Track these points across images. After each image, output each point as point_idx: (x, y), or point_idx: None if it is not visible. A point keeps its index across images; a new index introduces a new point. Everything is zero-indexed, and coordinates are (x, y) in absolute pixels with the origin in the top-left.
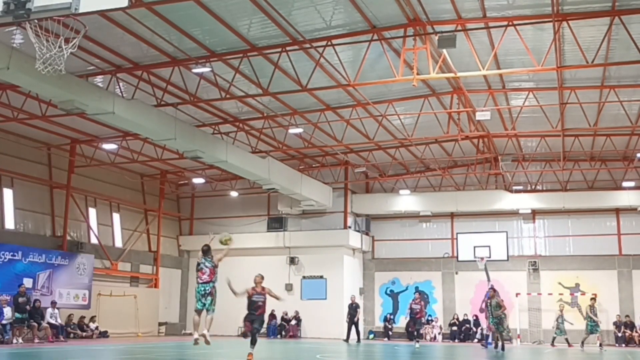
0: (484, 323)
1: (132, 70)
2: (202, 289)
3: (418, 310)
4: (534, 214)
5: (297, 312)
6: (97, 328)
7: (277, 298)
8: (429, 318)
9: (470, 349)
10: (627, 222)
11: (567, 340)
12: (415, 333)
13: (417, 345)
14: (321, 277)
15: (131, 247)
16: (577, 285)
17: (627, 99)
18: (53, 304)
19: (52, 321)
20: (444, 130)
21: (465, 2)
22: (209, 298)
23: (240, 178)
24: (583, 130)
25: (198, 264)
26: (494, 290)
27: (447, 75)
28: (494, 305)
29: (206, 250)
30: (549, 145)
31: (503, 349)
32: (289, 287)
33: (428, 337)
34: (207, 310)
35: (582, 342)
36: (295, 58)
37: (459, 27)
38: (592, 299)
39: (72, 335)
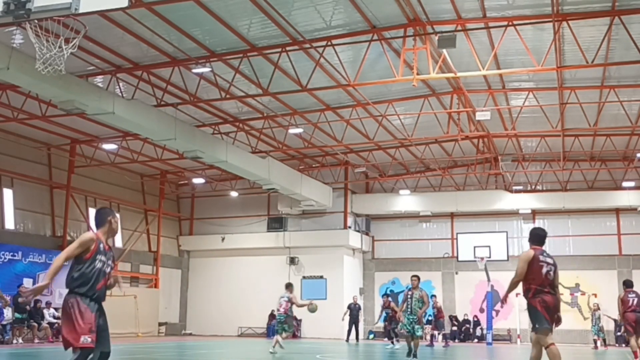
0: (483, 323)
1: (132, 70)
2: (279, 319)
3: (392, 313)
4: (534, 214)
5: (291, 311)
6: None
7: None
8: (430, 318)
9: (471, 349)
10: (627, 222)
11: (604, 340)
12: (392, 332)
13: (389, 347)
14: (321, 277)
15: (131, 247)
16: (577, 285)
17: (627, 99)
18: (48, 304)
19: (53, 320)
20: (444, 130)
21: (465, 2)
22: (285, 325)
23: (240, 178)
24: (583, 130)
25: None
26: (418, 279)
27: (447, 75)
28: (416, 298)
29: (287, 286)
30: (549, 145)
31: (416, 355)
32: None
33: (428, 337)
34: (285, 331)
35: None
36: (295, 58)
37: (459, 27)
38: None
39: None
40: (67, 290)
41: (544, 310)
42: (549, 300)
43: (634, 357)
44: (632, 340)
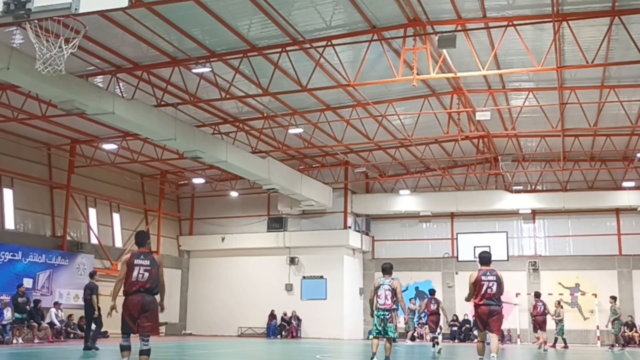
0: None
1: (132, 70)
2: (382, 314)
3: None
4: (534, 214)
5: (293, 312)
6: None
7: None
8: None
9: (471, 349)
10: (627, 222)
11: (564, 340)
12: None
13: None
14: (321, 277)
15: (131, 247)
16: (577, 285)
17: (627, 99)
18: (57, 305)
19: (57, 322)
20: (444, 130)
21: (465, 2)
22: (390, 325)
23: (240, 178)
24: (583, 130)
25: (377, 286)
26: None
27: (447, 75)
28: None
29: (387, 269)
30: (549, 145)
31: None
32: (288, 287)
33: (428, 337)
34: (387, 337)
35: None
36: (295, 58)
37: (459, 27)
38: None
39: (72, 335)
40: (67, 291)
41: (477, 318)
42: (480, 312)
43: (544, 345)
44: (541, 333)
